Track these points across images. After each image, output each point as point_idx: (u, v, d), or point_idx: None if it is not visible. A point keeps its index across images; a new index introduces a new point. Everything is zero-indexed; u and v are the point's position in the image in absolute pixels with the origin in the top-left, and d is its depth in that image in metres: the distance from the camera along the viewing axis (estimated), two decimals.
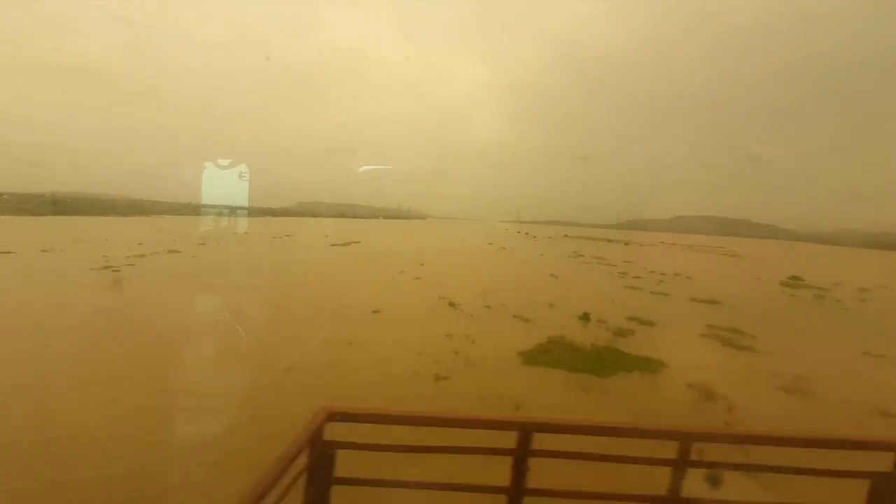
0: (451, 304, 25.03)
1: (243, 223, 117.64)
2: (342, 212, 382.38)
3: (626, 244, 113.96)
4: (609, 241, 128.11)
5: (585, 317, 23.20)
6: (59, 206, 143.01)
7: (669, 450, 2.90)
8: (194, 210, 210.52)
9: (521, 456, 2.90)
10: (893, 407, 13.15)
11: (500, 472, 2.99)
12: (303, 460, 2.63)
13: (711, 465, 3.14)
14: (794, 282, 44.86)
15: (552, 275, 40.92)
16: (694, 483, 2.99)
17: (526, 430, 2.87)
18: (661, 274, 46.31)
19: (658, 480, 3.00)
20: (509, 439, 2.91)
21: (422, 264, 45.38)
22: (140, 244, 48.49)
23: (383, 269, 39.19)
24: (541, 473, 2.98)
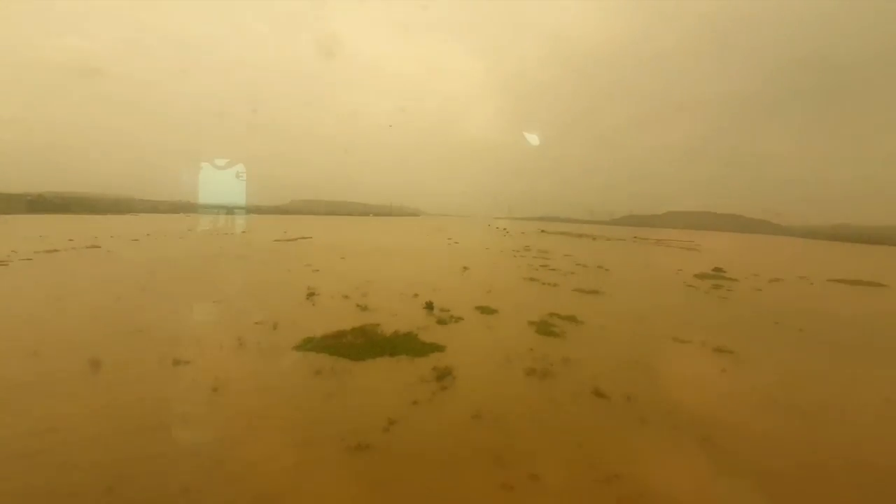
0: (311, 295, 25.53)
1: (213, 220, 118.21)
2: (335, 209, 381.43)
3: (594, 239, 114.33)
4: (581, 236, 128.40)
5: (429, 306, 23.68)
6: (38, 204, 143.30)
7: None
8: (182, 208, 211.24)
9: None
10: (607, 385, 13.66)
11: None
12: None
13: None
14: (710, 273, 45.26)
15: (464, 267, 41.35)
16: None
17: None
18: (583, 267, 46.76)
19: None
20: None
21: (342, 258, 46.01)
22: (70, 240, 48.99)
23: (293, 262, 39.66)
24: None
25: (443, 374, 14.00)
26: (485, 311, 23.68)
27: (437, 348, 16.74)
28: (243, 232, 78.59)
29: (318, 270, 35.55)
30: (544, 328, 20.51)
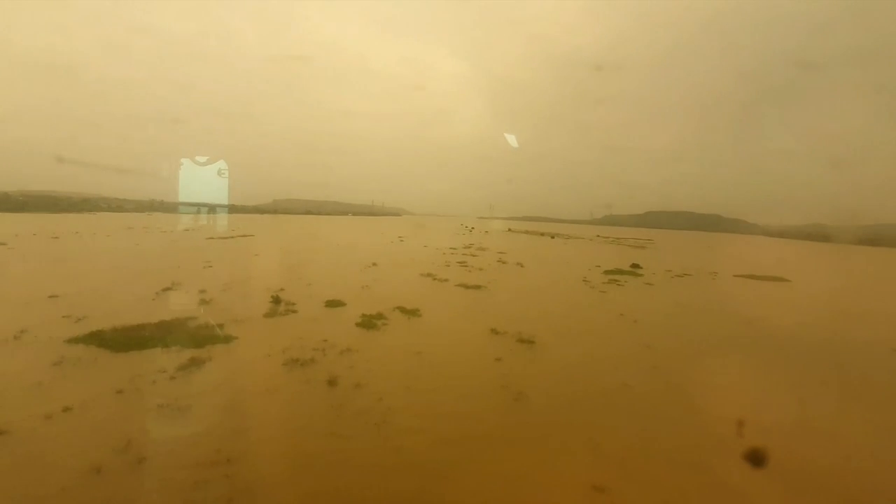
0: (166, 290, 25.32)
1: (170, 219, 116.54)
2: (312, 209, 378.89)
3: (553, 237, 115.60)
4: (543, 234, 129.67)
5: (276, 300, 23.66)
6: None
7: None
8: (152, 207, 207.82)
9: None
10: (358, 375, 13.81)
11: None
12: None
13: None
14: (623, 269, 45.96)
15: (373, 263, 41.43)
16: None
17: None
18: (502, 264, 47.31)
19: None
20: None
21: (256, 255, 45.88)
22: None
23: (193, 260, 39.23)
24: None
25: (185, 366, 14.00)
26: (332, 304, 23.72)
27: (224, 340, 16.72)
28: (186, 230, 77.57)
29: (211, 267, 35.22)
30: (370, 322, 20.62)
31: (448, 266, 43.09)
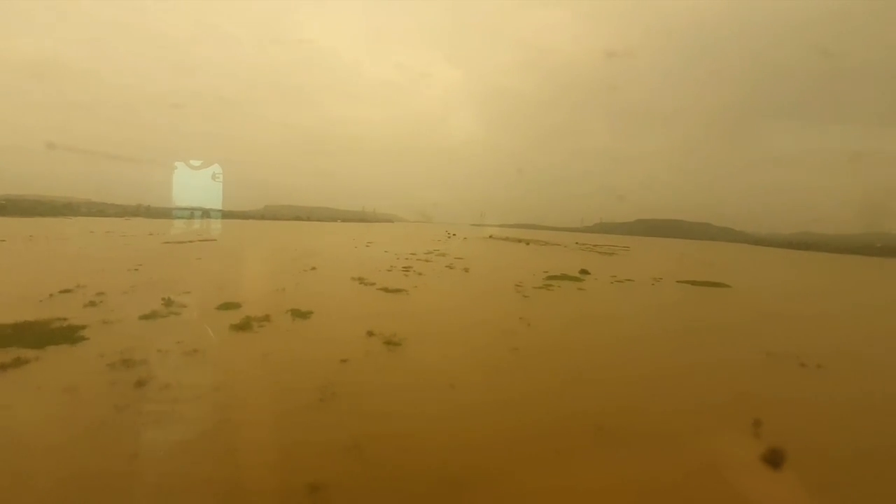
0: (65, 292, 25.04)
1: (144, 224, 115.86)
2: (303, 214, 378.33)
3: (528, 244, 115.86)
4: (520, 241, 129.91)
5: (168, 301, 23.45)
6: None
7: None
8: (134, 212, 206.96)
9: None
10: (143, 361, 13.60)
11: None
12: None
13: None
14: (566, 275, 45.97)
15: (312, 268, 41.29)
16: None
17: None
18: (450, 269, 47.39)
19: None
20: None
21: (198, 259, 45.64)
22: None
23: (126, 261, 38.92)
24: None
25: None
26: (226, 306, 23.52)
27: (70, 341, 16.49)
28: (150, 234, 77.07)
29: (137, 270, 34.94)
30: (248, 323, 20.46)
31: (389, 271, 42.97)
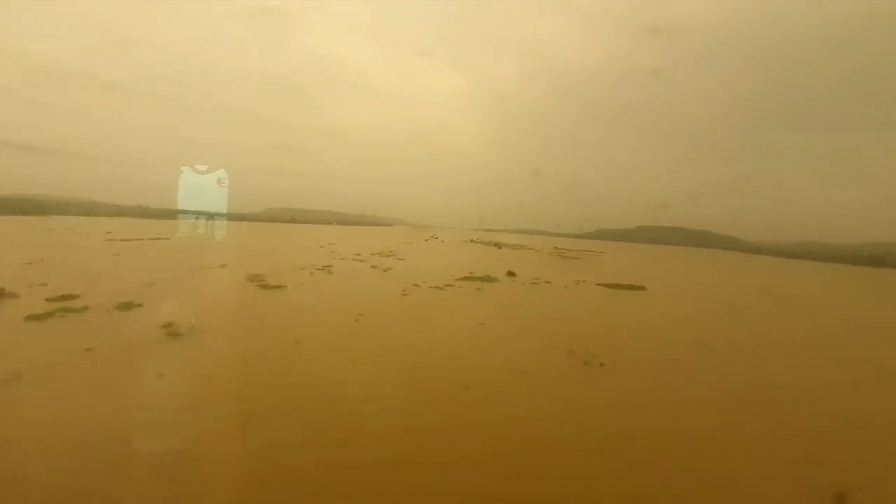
0: None
1: (112, 223, 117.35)
2: (301, 217, 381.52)
3: (500, 248, 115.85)
4: (495, 244, 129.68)
5: (64, 297, 23.58)
6: None
7: None
8: (127, 212, 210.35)
9: None
10: None
11: None
12: None
13: None
14: (491, 276, 45.59)
15: (223, 265, 41.42)
16: None
17: None
18: (373, 269, 47.21)
19: None
20: None
21: (116, 255, 45.96)
22: None
23: (33, 256, 39.25)
24: None
25: None
26: (63, 297, 23.56)
27: None
28: (108, 232, 77.93)
29: (31, 264, 35.23)
30: (51, 311, 20.45)
31: (302, 269, 42.93)
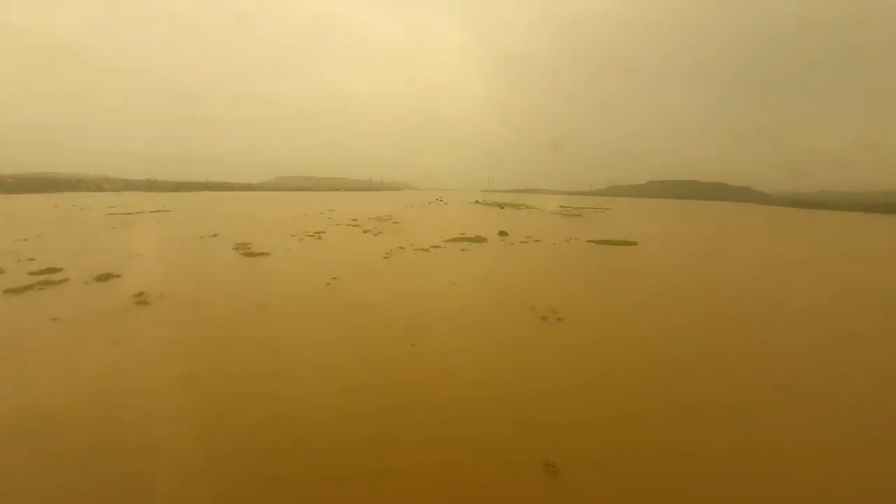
0: None
1: (122, 198, 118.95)
2: (310, 185, 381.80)
3: (502, 208, 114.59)
4: (499, 205, 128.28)
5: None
6: None
7: None
8: (137, 187, 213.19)
9: None
10: None
11: None
12: None
13: None
14: (482, 236, 45.44)
15: (214, 235, 41.97)
16: None
17: None
18: (364, 233, 47.36)
19: None
20: None
21: (113, 227, 46.88)
22: None
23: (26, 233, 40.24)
24: None
25: None
26: (47, 272, 24.31)
27: None
28: (111, 207, 79.14)
29: (39, 236, 36.30)
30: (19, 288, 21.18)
31: (293, 236, 43.35)
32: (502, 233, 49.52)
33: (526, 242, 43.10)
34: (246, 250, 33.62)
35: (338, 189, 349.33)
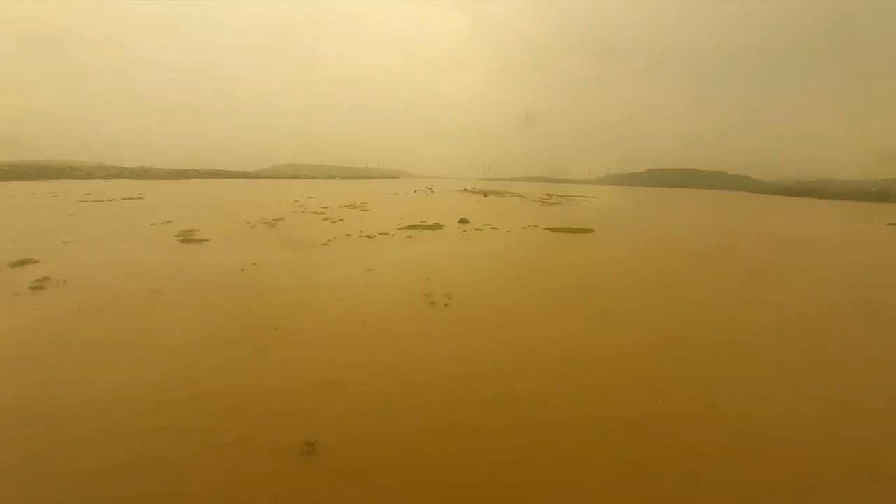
0: None
1: (106, 185, 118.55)
2: (303, 173, 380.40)
3: (486, 195, 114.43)
4: (483, 192, 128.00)
5: None
6: None
7: None
8: (129, 174, 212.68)
9: None
10: None
11: None
12: None
13: None
14: (440, 223, 45.37)
15: (167, 221, 41.95)
16: None
17: None
18: (324, 220, 47.25)
19: None
20: None
21: (70, 214, 46.86)
22: None
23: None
24: None
25: None
26: (21, 264, 24.35)
27: None
28: (87, 194, 79.06)
29: None
30: None
31: (247, 223, 43.36)
32: (463, 220, 49.42)
33: (481, 230, 43.03)
34: (187, 237, 33.65)
35: (333, 177, 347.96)
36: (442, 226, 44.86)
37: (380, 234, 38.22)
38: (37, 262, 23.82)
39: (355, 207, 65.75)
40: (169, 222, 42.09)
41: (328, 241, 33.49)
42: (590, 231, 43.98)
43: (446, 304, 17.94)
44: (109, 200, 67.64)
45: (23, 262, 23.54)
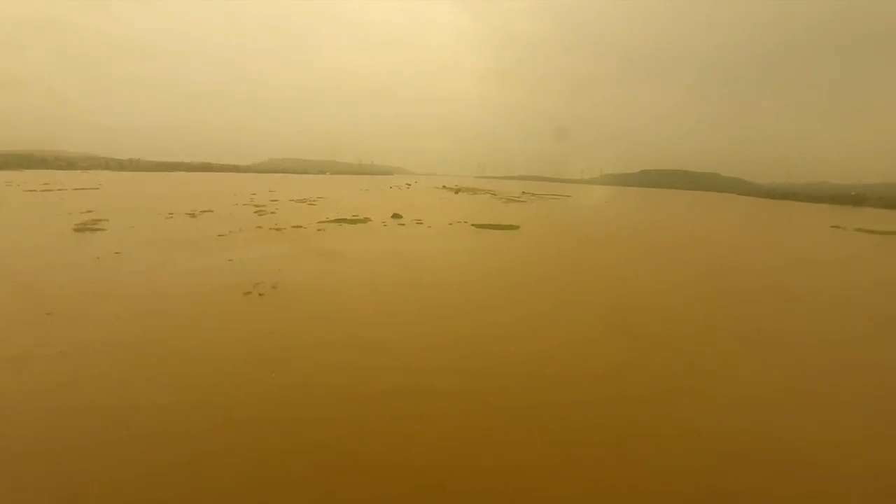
0: None
1: (78, 176, 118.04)
2: (295, 168, 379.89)
3: (457, 192, 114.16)
4: (456, 189, 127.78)
5: None
6: None
7: None
8: (116, 166, 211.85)
9: None
10: None
11: None
12: None
13: None
14: (368, 218, 45.16)
15: (87, 210, 41.64)
16: None
17: None
18: (259, 215, 47.02)
19: None
20: None
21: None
22: None
23: None
24: None
25: None
26: None
27: None
28: (45, 184, 78.67)
29: None
30: None
31: (170, 215, 43.07)
32: (395, 216, 49.14)
33: (405, 225, 42.84)
34: (88, 227, 33.45)
35: (324, 173, 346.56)
36: (369, 220, 44.64)
37: (294, 227, 38.02)
38: None
39: (305, 202, 65.38)
40: (89, 211, 41.76)
41: (222, 234, 33.06)
42: (515, 228, 43.79)
43: (260, 294, 17.76)
44: (59, 190, 67.26)
45: None
